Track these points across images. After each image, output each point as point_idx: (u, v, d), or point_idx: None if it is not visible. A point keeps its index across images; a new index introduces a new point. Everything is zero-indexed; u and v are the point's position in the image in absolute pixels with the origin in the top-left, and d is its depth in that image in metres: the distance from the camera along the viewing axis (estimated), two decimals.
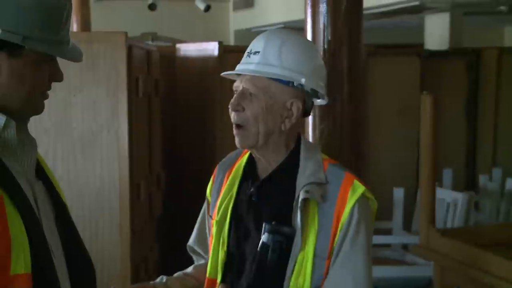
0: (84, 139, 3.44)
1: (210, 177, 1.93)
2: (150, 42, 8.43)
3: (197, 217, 1.99)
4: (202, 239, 1.92)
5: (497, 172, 5.69)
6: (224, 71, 1.82)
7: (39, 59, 1.38)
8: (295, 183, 1.67)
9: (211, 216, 1.81)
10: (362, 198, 1.66)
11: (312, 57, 1.72)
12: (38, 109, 1.45)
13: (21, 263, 1.29)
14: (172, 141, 4.76)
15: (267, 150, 1.70)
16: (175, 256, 4.83)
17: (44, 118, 3.32)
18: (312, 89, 1.69)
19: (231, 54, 4.61)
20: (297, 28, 6.43)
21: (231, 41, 10.48)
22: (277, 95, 1.66)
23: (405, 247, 4.85)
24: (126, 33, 3.46)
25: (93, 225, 3.43)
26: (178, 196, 4.74)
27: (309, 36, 2.45)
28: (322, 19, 2.38)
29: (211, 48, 4.60)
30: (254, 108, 1.65)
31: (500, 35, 10.90)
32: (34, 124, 3.28)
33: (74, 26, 6.51)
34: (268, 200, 1.69)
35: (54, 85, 1.47)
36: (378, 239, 4.46)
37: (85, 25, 6.49)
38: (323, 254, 1.62)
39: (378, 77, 5.42)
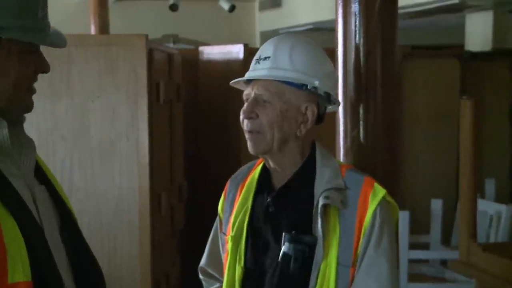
0: (102, 147, 3.48)
1: None
2: (171, 45, 8.50)
3: None
4: (215, 259, 1.94)
5: None
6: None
7: (21, 49, 1.38)
8: (312, 191, 1.71)
9: (224, 233, 1.85)
10: (384, 201, 1.70)
11: (324, 60, 1.79)
12: (26, 105, 1.44)
13: (19, 270, 1.29)
14: (195, 150, 4.79)
15: (282, 157, 1.75)
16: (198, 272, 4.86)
17: (61, 124, 3.36)
18: (325, 93, 1.74)
19: None
20: (327, 29, 6.42)
21: (257, 43, 10.51)
22: (292, 100, 1.71)
23: (444, 263, 4.80)
24: (146, 36, 3.50)
25: (111, 239, 3.46)
26: (201, 209, 4.75)
27: (340, 38, 2.45)
28: (354, 20, 2.38)
29: (236, 50, 4.62)
30: (269, 114, 1.70)
31: None
32: (51, 131, 3.35)
33: (92, 29, 6.59)
34: (286, 209, 1.73)
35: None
36: (415, 254, 4.44)
37: (104, 27, 6.57)
38: (346, 262, 1.65)
39: (414, 80, 5.39)
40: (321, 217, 1.65)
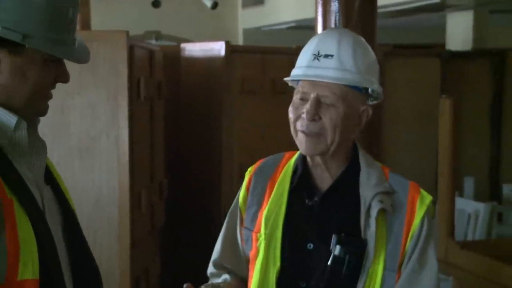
0: (82, 145, 3.47)
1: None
2: (153, 41, 8.47)
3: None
4: (233, 253, 1.85)
5: None
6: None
7: (44, 58, 1.41)
8: (357, 193, 1.68)
9: (249, 228, 1.77)
10: (430, 208, 1.69)
11: (374, 56, 1.74)
12: (41, 110, 1.48)
13: (29, 268, 1.32)
14: (176, 147, 4.79)
15: (332, 158, 1.70)
16: (178, 268, 4.86)
17: (40, 121, 3.34)
18: (376, 92, 1.71)
19: (239, 54, 4.64)
20: (309, 27, 6.44)
21: (240, 41, 10.51)
22: (353, 103, 1.66)
23: None
24: (127, 32, 3.49)
25: (90, 236, 3.45)
26: (182, 206, 4.76)
27: None
28: (333, 18, 2.40)
29: (218, 48, 4.62)
30: (333, 117, 1.64)
31: None
32: None
33: None
34: (333, 210, 1.69)
35: None
36: None
37: (85, 23, 6.54)
38: (393, 267, 1.64)
39: (395, 79, 5.42)
40: (376, 221, 1.63)
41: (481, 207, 4.62)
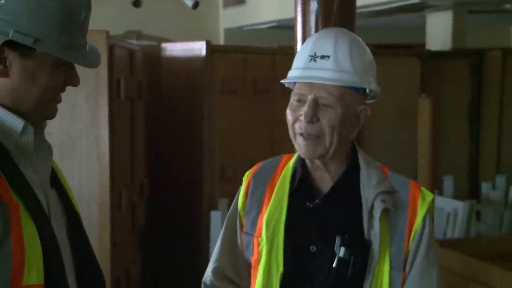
0: (62, 145, 3.45)
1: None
2: (134, 41, 8.44)
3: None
4: (235, 262, 1.81)
5: (500, 180, 5.73)
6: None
7: (54, 62, 1.40)
8: (358, 193, 1.67)
9: (249, 234, 1.75)
10: (432, 206, 1.69)
11: (371, 55, 1.73)
12: (50, 113, 1.47)
13: (34, 273, 1.32)
14: (157, 147, 4.78)
15: (332, 159, 1.69)
16: (159, 268, 4.84)
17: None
18: (375, 93, 1.71)
19: (220, 54, 4.64)
20: (290, 26, 6.44)
21: (221, 40, 10.50)
22: (351, 104, 1.65)
23: None
24: (107, 32, 3.48)
25: None
26: (162, 206, 4.75)
27: (299, 35, 2.48)
28: (313, 18, 2.41)
29: (198, 47, 4.62)
30: (331, 119, 1.62)
31: (505, 35, 10.97)
32: None
33: None
34: (334, 211, 1.68)
35: None
36: None
37: None
38: (398, 266, 1.64)
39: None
40: (380, 221, 1.62)
41: (460, 206, 4.64)
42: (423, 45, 7.08)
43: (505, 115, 6.08)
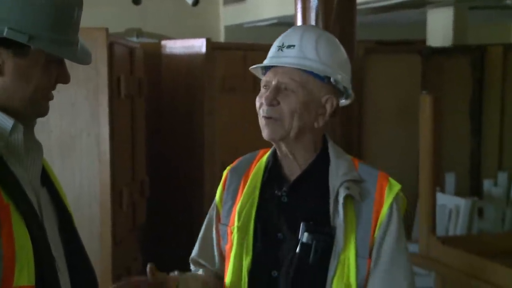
0: (62, 143, 3.45)
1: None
2: (134, 39, 8.44)
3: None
4: (207, 250, 1.91)
5: (502, 177, 5.72)
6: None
7: (47, 60, 1.40)
8: (327, 182, 1.72)
9: (225, 224, 1.82)
10: (399, 196, 1.73)
11: (344, 55, 1.80)
12: (42, 111, 1.47)
13: (24, 275, 1.31)
14: (157, 145, 4.77)
15: (297, 146, 1.75)
16: (160, 266, 4.84)
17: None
18: (344, 87, 1.76)
19: (220, 51, 4.63)
20: (291, 24, 6.42)
21: (222, 37, 10.49)
22: (314, 91, 1.72)
23: None
24: (107, 29, 3.47)
25: None
26: (163, 204, 4.75)
27: None
28: (313, 15, 2.40)
29: (199, 45, 4.61)
30: (292, 103, 1.70)
31: (507, 31, 10.95)
32: None
33: None
34: (301, 200, 1.73)
35: None
36: None
37: None
38: (364, 253, 1.67)
39: (376, 75, 5.44)
40: (343, 208, 1.66)
41: (462, 203, 4.64)
42: (424, 41, 7.06)
43: (506, 112, 6.07)
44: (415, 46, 6.04)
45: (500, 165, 6.03)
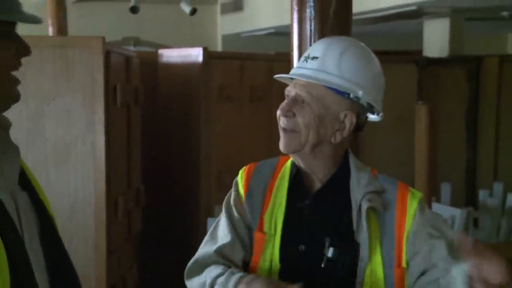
0: (58, 151, 3.44)
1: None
2: (132, 48, 8.44)
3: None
4: (239, 248, 1.77)
5: (498, 187, 5.72)
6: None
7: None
8: (348, 196, 1.71)
9: (250, 226, 1.76)
10: (422, 203, 1.71)
11: (373, 70, 1.75)
12: (14, 96, 1.39)
13: None
14: (153, 154, 4.77)
15: (313, 160, 1.72)
16: (156, 275, 4.83)
17: (14, 128, 3.28)
18: (368, 103, 1.71)
19: (217, 60, 4.64)
20: (288, 33, 6.43)
21: (219, 47, 10.51)
22: (331, 106, 1.68)
23: None
24: (103, 38, 3.47)
25: (66, 243, 3.37)
26: (159, 212, 4.74)
27: (295, 42, 2.47)
28: (308, 25, 2.40)
29: (195, 54, 4.61)
30: (306, 116, 1.68)
31: (502, 42, 10.99)
32: None
33: (50, 30, 6.51)
34: (323, 213, 1.72)
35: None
36: None
37: (62, 29, 6.49)
38: (390, 263, 1.66)
39: None
40: (366, 221, 1.65)
41: (457, 213, 4.64)
42: (420, 51, 7.09)
43: (502, 122, 6.08)
44: (412, 56, 6.05)
45: (495, 175, 6.04)
